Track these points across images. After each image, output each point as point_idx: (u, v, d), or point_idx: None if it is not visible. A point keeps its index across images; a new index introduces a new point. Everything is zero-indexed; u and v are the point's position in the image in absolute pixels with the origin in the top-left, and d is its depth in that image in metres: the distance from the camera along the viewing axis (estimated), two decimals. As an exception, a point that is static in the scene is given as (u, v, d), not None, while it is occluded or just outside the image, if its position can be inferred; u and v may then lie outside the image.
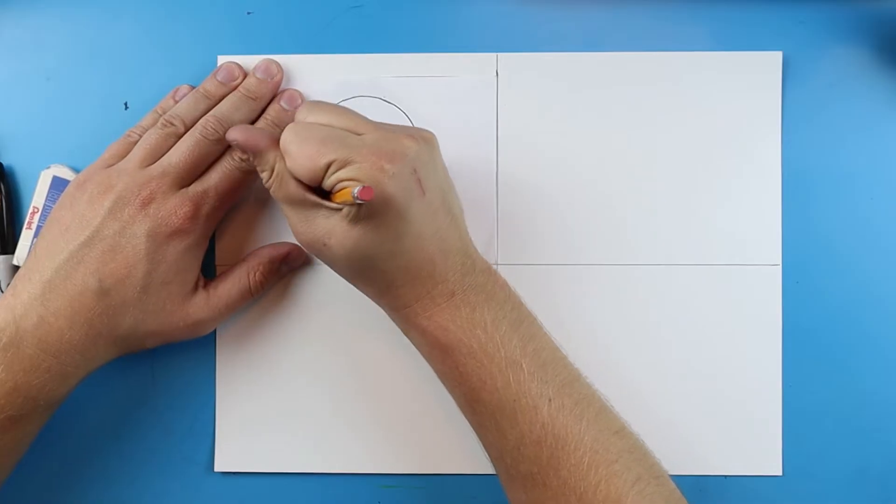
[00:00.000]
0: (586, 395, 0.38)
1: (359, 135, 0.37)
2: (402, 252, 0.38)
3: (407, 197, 0.36)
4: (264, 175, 0.39)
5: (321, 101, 0.40)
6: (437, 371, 0.41)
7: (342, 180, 0.36)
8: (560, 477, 0.36)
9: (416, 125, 0.46)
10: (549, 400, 0.37)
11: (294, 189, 0.38)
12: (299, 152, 0.37)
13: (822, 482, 0.46)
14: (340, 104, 0.41)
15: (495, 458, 0.40)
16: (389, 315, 0.41)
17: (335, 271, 0.41)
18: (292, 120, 0.45)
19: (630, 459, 0.37)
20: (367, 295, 0.41)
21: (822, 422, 0.46)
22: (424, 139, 0.38)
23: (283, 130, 0.38)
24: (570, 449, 0.36)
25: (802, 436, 0.46)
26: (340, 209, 0.37)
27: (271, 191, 0.39)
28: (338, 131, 0.37)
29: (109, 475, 0.46)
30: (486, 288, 0.39)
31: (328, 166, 0.36)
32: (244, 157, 0.42)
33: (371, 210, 0.36)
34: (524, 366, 0.37)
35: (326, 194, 0.38)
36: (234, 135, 0.39)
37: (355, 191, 0.34)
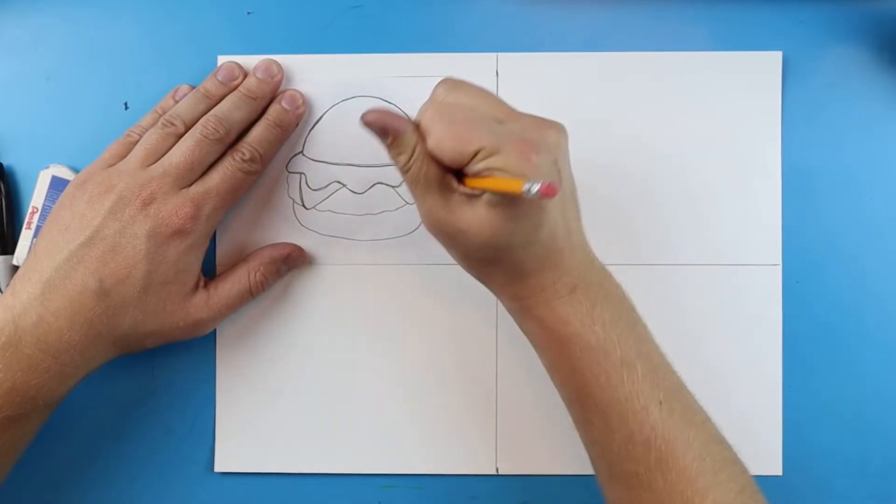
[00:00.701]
0: (692, 403, 0.38)
1: (500, 121, 0.37)
2: (537, 242, 0.37)
3: None
4: (402, 157, 0.38)
5: (462, 79, 0.38)
6: (548, 363, 0.40)
7: (491, 168, 0.35)
8: (667, 480, 0.36)
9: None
10: (661, 403, 0.37)
11: (434, 172, 0.37)
12: (446, 134, 0.36)
13: (822, 482, 0.46)
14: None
15: (596, 456, 0.39)
16: (507, 305, 0.40)
17: (459, 258, 0.39)
18: (294, 120, 0.45)
19: (734, 470, 0.37)
20: (487, 284, 0.40)
21: (822, 422, 0.46)
22: (561, 130, 0.38)
23: (417, 113, 0.37)
24: (679, 453, 0.36)
25: (802, 436, 0.46)
26: (479, 195, 0.36)
27: (409, 174, 0.38)
28: (483, 115, 0.37)
29: (109, 475, 0.46)
30: (605, 285, 0.39)
31: (476, 152, 0.35)
32: (245, 157, 0.42)
33: (514, 198, 0.35)
34: (638, 366, 0.37)
35: (461, 178, 0.37)
36: (369, 117, 0.37)
37: (533, 187, 0.32)
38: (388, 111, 0.38)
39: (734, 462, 0.38)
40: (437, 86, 0.38)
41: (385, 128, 0.37)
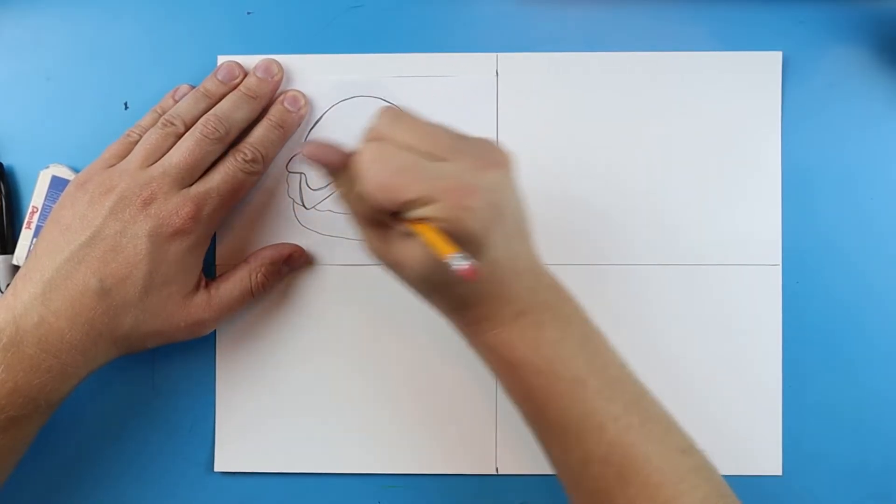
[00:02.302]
0: (654, 414, 0.38)
1: (439, 159, 0.36)
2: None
3: (486, 229, 0.36)
4: (340, 191, 0.38)
5: (400, 111, 0.38)
6: (503, 386, 0.40)
7: (424, 218, 0.35)
8: (627, 495, 0.36)
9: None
10: (616, 418, 0.37)
11: (368, 210, 0.37)
12: (378, 183, 0.35)
13: (822, 482, 0.46)
14: (392, 108, 0.38)
15: (561, 474, 0.39)
16: (457, 331, 0.41)
17: (405, 286, 0.40)
18: (296, 121, 0.45)
19: (697, 479, 0.37)
20: (435, 310, 0.40)
21: (822, 422, 0.46)
22: (502, 163, 0.37)
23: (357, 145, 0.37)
24: (637, 468, 0.36)
25: (802, 436, 0.46)
26: (416, 233, 0.36)
27: (347, 207, 0.39)
28: (417, 159, 0.36)
29: (110, 475, 0.46)
30: (554, 305, 0.39)
31: (408, 202, 0.35)
32: (247, 158, 0.42)
33: (452, 242, 0.35)
34: (590, 384, 0.37)
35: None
36: (309, 150, 0.38)
37: (455, 263, 0.33)
38: (327, 145, 0.38)
39: (698, 470, 0.37)
40: (377, 114, 0.38)
41: (321, 163, 0.38)
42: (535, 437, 0.40)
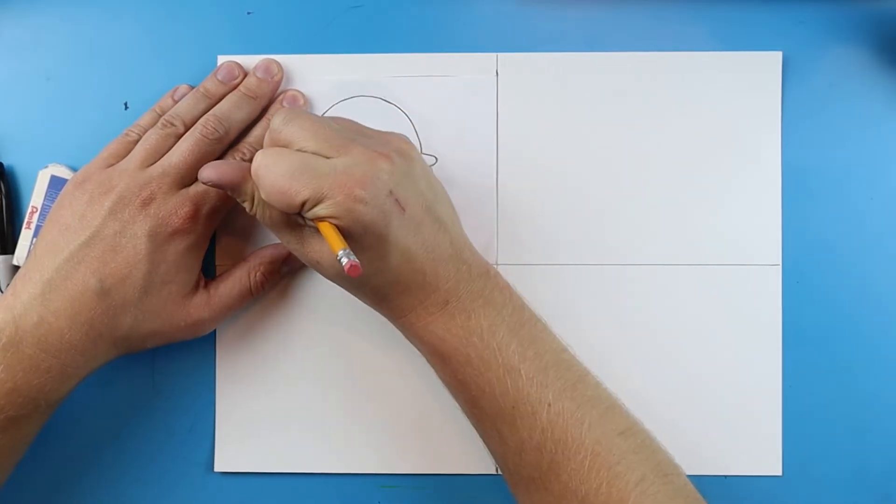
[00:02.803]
0: (591, 397, 0.38)
1: (329, 158, 0.36)
2: (390, 269, 0.37)
3: (385, 219, 0.36)
4: (246, 205, 0.39)
5: (295, 110, 0.38)
6: (438, 376, 0.41)
7: (319, 217, 0.36)
8: (561, 481, 0.36)
9: (416, 125, 0.46)
10: (549, 405, 0.37)
11: (277, 215, 0.38)
12: (272, 188, 0.36)
13: (822, 482, 0.46)
14: (328, 113, 0.39)
15: (499, 463, 0.40)
16: (391, 323, 0.41)
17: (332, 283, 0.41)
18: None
19: (635, 460, 0.37)
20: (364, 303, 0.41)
21: (822, 422, 0.46)
22: (400, 153, 0.38)
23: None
24: (570, 453, 0.36)
25: (802, 436, 0.46)
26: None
27: (256, 217, 0.39)
28: (307, 158, 0.36)
29: (110, 475, 0.46)
30: (484, 293, 0.39)
31: (303, 203, 0.36)
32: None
33: (351, 235, 0.36)
34: (522, 371, 0.37)
35: None
36: (205, 173, 0.39)
37: (343, 261, 0.34)
38: (224, 164, 0.39)
39: (636, 451, 0.37)
40: (274, 116, 0.38)
41: (219, 184, 0.39)
42: (475, 427, 0.40)
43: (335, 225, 0.35)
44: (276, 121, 0.38)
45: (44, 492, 0.46)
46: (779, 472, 0.45)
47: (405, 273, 0.38)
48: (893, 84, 0.46)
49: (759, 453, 0.45)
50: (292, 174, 0.36)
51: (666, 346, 0.46)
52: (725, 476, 0.45)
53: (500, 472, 0.46)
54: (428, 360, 0.41)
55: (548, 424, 0.36)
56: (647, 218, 0.46)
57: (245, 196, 0.39)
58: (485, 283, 0.39)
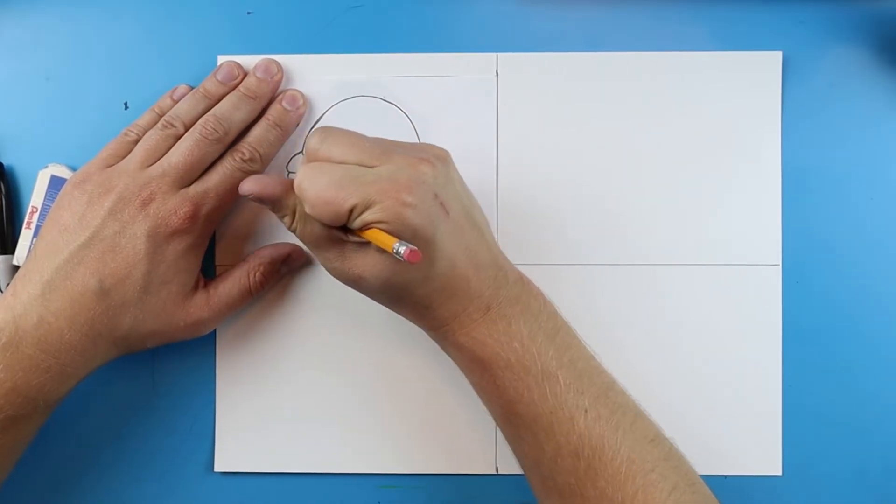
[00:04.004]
0: (622, 404, 0.38)
1: (372, 167, 0.37)
2: (436, 275, 0.37)
3: (433, 223, 0.36)
4: (286, 220, 0.39)
5: (330, 127, 0.39)
6: (474, 385, 0.41)
7: (368, 223, 0.36)
8: (598, 487, 0.36)
9: (416, 125, 0.46)
10: (586, 411, 0.37)
11: (319, 230, 0.38)
12: (318, 199, 0.36)
13: (822, 482, 0.46)
14: (348, 129, 0.39)
15: (530, 469, 0.39)
16: (427, 334, 0.41)
17: (371, 299, 0.40)
18: (295, 120, 0.45)
19: (666, 468, 0.37)
20: (405, 318, 0.41)
21: (822, 422, 0.46)
22: (439, 159, 0.38)
23: (295, 171, 0.38)
24: (606, 459, 0.36)
25: (802, 436, 0.46)
26: (369, 242, 0.37)
27: (296, 234, 0.39)
28: (352, 169, 0.37)
29: (110, 475, 0.46)
30: (521, 299, 0.39)
31: (351, 210, 0.36)
32: (245, 157, 0.42)
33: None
34: (560, 377, 0.37)
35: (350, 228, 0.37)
36: (247, 186, 0.39)
37: (399, 250, 0.34)
38: (266, 178, 0.39)
39: (666, 459, 0.37)
40: (308, 137, 0.39)
41: (261, 197, 0.39)
42: (506, 434, 0.40)
43: (383, 230, 0.35)
44: (313, 141, 0.38)
45: (44, 492, 0.46)
46: (779, 472, 0.45)
47: (451, 279, 0.38)
48: (893, 84, 0.46)
49: (759, 453, 0.45)
50: (338, 183, 0.36)
51: (666, 346, 0.46)
52: (725, 476, 0.45)
53: (500, 472, 0.46)
54: (463, 369, 0.40)
55: (585, 430, 0.37)
56: (646, 218, 0.46)
57: (286, 211, 0.39)
58: (521, 289, 0.39)
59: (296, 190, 0.37)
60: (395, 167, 0.37)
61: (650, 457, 0.37)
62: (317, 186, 0.36)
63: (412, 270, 0.37)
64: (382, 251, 0.36)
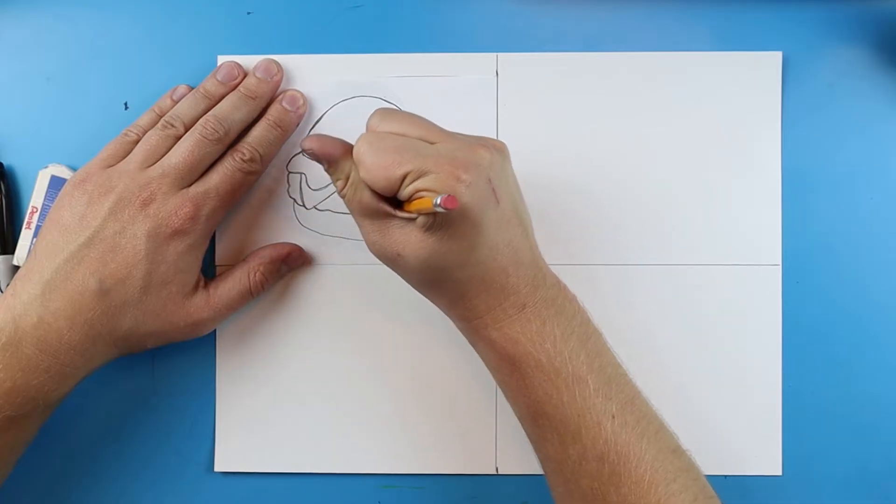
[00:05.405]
0: (646, 414, 0.38)
1: (432, 143, 0.37)
2: (477, 262, 0.37)
3: (483, 206, 0.36)
4: (339, 184, 0.39)
5: (393, 108, 0.39)
6: (501, 383, 0.40)
7: (419, 190, 0.36)
8: (621, 493, 0.36)
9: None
10: (613, 417, 0.37)
11: (368, 199, 0.38)
12: (374, 162, 0.36)
13: (822, 482, 0.46)
14: (401, 111, 0.40)
15: (552, 472, 0.39)
16: (457, 326, 0.41)
17: (406, 281, 0.40)
18: (295, 120, 0.45)
19: (687, 479, 0.37)
20: (437, 305, 0.41)
21: (822, 422, 0.46)
22: (497, 148, 0.38)
23: (356, 140, 0.38)
24: (631, 466, 0.36)
25: (802, 436, 0.46)
26: (415, 219, 0.37)
27: (345, 200, 0.39)
28: (412, 140, 0.37)
29: (110, 475, 0.46)
30: (557, 302, 0.39)
31: (404, 177, 0.36)
32: (245, 158, 0.42)
33: (447, 219, 0.36)
34: (590, 382, 0.37)
35: (400, 204, 0.37)
36: (308, 143, 0.39)
37: (438, 199, 0.33)
38: (327, 137, 0.39)
39: (687, 470, 0.38)
40: (371, 116, 0.39)
41: (318, 154, 0.39)
42: (530, 435, 0.40)
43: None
44: (374, 119, 0.39)
45: (44, 492, 0.46)
46: (779, 472, 0.45)
47: (489, 270, 0.38)
48: (893, 84, 0.46)
49: (759, 453, 0.45)
50: (397, 149, 0.36)
51: (666, 346, 0.46)
52: (725, 476, 0.45)
53: (500, 472, 0.46)
54: (492, 365, 0.40)
55: (611, 436, 0.37)
56: (646, 218, 0.46)
57: (340, 174, 0.39)
58: (557, 292, 0.39)
59: (354, 154, 0.37)
60: (455, 146, 0.37)
61: (672, 467, 0.37)
62: (375, 150, 0.37)
63: (451, 254, 0.37)
64: (424, 231, 0.36)
